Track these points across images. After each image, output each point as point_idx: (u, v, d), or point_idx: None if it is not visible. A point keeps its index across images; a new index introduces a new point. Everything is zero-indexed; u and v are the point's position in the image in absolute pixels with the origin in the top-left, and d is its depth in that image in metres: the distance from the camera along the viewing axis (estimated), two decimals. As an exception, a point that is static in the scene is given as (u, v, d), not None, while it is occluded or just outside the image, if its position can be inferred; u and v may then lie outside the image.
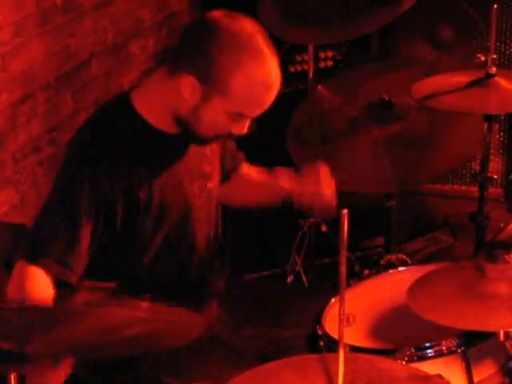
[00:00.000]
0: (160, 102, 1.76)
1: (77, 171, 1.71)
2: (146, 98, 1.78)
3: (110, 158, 1.72)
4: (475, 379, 1.71)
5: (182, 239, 1.85)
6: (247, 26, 1.70)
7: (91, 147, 1.74)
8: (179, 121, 1.76)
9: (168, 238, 1.82)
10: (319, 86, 2.73)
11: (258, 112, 1.75)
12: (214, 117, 1.73)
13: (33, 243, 1.73)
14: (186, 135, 1.79)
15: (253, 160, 2.15)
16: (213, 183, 1.93)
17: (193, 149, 1.86)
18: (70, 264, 1.68)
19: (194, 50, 1.71)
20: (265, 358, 1.53)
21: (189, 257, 1.88)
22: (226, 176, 2.03)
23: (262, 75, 1.69)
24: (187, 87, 1.70)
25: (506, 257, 1.64)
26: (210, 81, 1.69)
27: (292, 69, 3.11)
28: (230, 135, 1.81)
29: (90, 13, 2.87)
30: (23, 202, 2.62)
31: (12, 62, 2.52)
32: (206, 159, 1.91)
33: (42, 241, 1.70)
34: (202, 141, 1.82)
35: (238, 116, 1.74)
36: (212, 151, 1.94)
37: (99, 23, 2.93)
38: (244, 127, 1.78)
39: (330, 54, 3.10)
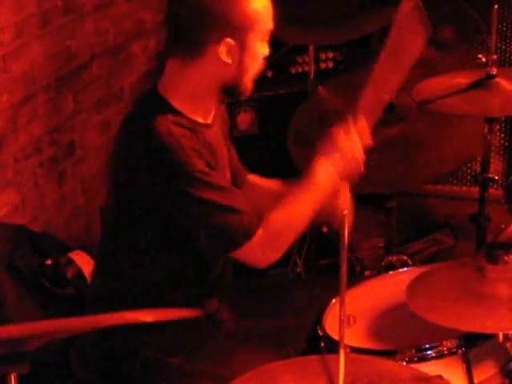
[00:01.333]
0: (195, 88, 1.78)
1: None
2: (179, 88, 1.79)
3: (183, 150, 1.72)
4: (475, 380, 1.71)
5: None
6: None
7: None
8: (227, 90, 1.81)
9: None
10: (320, 87, 2.73)
11: (272, 22, 1.81)
12: (256, 55, 1.79)
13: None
14: (233, 96, 1.84)
15: (254, 161, 2.15)
16: (227, 175, 1.93)
17: (218, 139, 1.88)
18: None
19: (205, 20, 1.74)
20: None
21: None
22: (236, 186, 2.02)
23: None
24: (224, 53, 1.75)
25: (506, 258, 1.64)
26: (236, 29, 1.74)
27: (292, 70, 3.11)
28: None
29: (90, 14, 2.87)
30: (24, 203, 2.62)
31: (13, 63, 2.52)
32: (221, 151, 1.91)
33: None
34: (243, 91, 1.83)
35: (267, 36, 1.80)
36: (225, 141, 1.96)
37: (100, 24, 2.93)
38: (267, 46, 1.83)
39: (330, 54, 3.10)
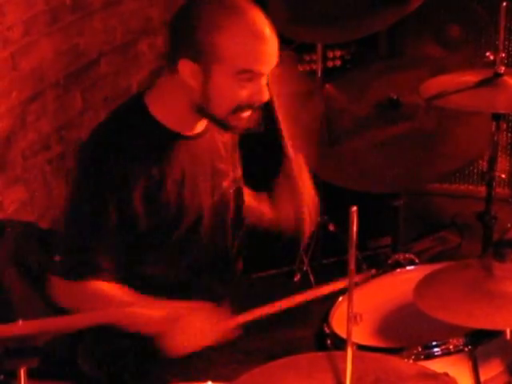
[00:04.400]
0: (173, 101, 1.76)
1: (95, 172, 1.72)
2: (160, 99, 1.78)
3: (125, 159, 1.72)
4: (482, 378, 1.71)
5: (193, 241, 1.84)
6: None
7: (106, 148, 1.73)
8: (201, 111, 1.75)
9: (181, 241, 1.82)
10: (327, 86, 2.73)
11: (260, 65, 1.70)
12: (222, 88, 1.70)
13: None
14: (215, 123, 1.78)
15: (259, 159, 2.15)
16: (228, 181, 1.92)
17: (206, 149, 1.85)
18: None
19: (177, 34, 1.73)
20: (272, 357, 1.54)
21: (197, 261, 1.87)
22: None
23: (245, 27, 1.69)
24: (186, 72, 1.71)
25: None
26: (202, 55, 1.69)
27: (300, 68, 3.11)
28: (253, 105, 1.76)
29: (98, 12, 2.88)
30: (33, 200, 2.63)
31: (21, 60, 2.53)
32: (220, 157, 1.91)
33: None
34: (227, 124, 1.77)
35: (244, 76, 1.69)
36: (226, 149, 1.93)
37: (108, 22, 2.94)
38: (261, 91, 1.72)
39: (338, 53, 3.10)
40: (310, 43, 2.94)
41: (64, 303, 1.76)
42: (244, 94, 1.72)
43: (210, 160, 1.87)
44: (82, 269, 1.73)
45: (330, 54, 3.09)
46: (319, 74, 2.91)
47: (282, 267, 2.94)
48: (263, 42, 1.70)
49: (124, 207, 1.72)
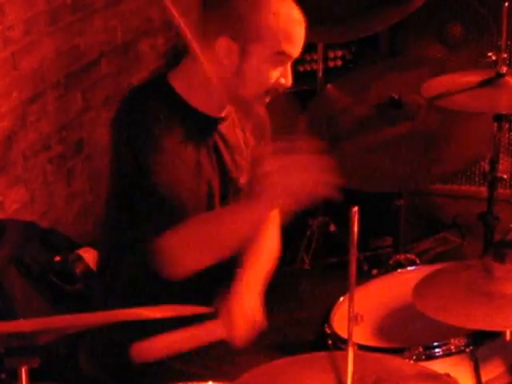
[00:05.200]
0: (200, 80, 1.73)
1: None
2: (186, 77, 1.75)
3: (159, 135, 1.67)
4: (483, 378, 1.70)
5: None
6: None
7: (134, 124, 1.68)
8: (229, 92, 1.72)
9: None
10: (328, 86, 2.73)
11: (293, 48, 1.72)
12: (257, 69, 1.70)
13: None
14: (239, 106, 1.77)
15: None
16: (243, 179, 1.87)
17: (229, 133, 1.83)
18: None
19: (217, 11, 1.72)
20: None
21: None
22: None
23: (286, 9, 1.71)
24: (223, 50, 1.70)
25: (514, 256, 1.64)
26: (242, 33, 1.69)
27: (301, 68, 3.11)
28: (277, 89, 1.75)
29: (99, 12, 2.88)
30: (33, 199, 2.63)
31: (22, 60, 2.53)
32: (240, 151, 1.87)
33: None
34: (251, 109, 1.77)
35: (279, 58, 1.71)
36: (246, 145, 1.89)
37: (109, 22, 2.94)
38: (289, 75, 1.74)
39: (339, 53, 3.10)
40: (311, 43, 2.94)
41: (184, 258, 1.63)
42: (275, 76, 1.73)
43: (231, 150, 1.84)
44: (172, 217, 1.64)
45: (331, 54, 3.09)
46: (320, 74, 2.90)
47: (283, 266, 2.93)
48: (300, 26, 1.72)
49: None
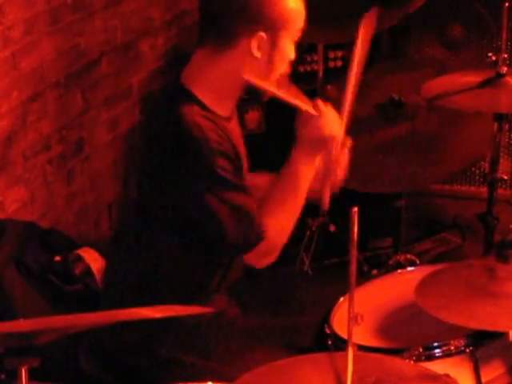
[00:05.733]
0: (217, 80, 1.79)
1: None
2: (202, 79, 1.80)
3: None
4: (483, 379, 1.70)
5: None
6: None
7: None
8: (249, 87, 1.80)
9: None
10: (329, 86, 2.72)
11: (303, 21, 1.84)
12: (285, 52, 1.81)
13: None
14: (255, 94, 1.84)
15: (261, 160, 2.14)
16: (245, 171, 1.92)
17: (234, 130, 1.89)
18: None
19: (243, 11, 1.77)
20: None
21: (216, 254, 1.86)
22: None
23: None
24: (255, 46, 1.77)
25: (516, 256, 1.63)
26: (270, 24, 1.77)
27: (301, 68, 3.11)
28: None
29: (99, 12, 2.88)
30: (33, 200, 2.63)
31: (22, 60, 2.53)
32: (242, 145, 1.93)
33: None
34: (264, 94, 1.85)
35: (299, 35, 1.83)
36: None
37: (109, 22, 2.94)
38: (293, 50, 1.85)
39: (339, 53, 3.10)
40: (312, 43, 2.94)
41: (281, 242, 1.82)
42: (293, 56, 1.84)
43: (237, 143, 1.88)
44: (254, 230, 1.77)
45: (332, 55, 3.09)
46: (320, 75, 2.90)
47: (283, 267, 2.93)
48: (302, 4, 1.84)
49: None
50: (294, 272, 2.79)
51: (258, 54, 1.77)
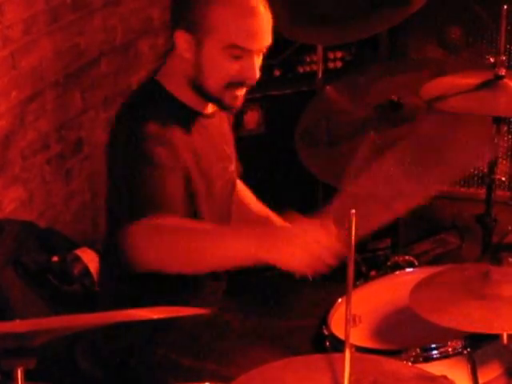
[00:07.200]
0: (179, 75, 1.76)
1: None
2: (171, 75, 1.78)
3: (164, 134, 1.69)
4: (480, 381, 1.70)
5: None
6: None
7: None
8: (195, 87, 1.75)
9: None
10: (328, 87, 2.72)
11: (249, 41, 1.69)
12: (214, 61, 1.70)
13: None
14: (211, 100, 1.77)
15: (260, 160, 2.15)
16: (233, 167, 1.91)
17: (217, 129, 1.86)
18: None
19: (177, 5, 1.75)
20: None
21: None
22: None
23: (239, 2, 1.69)
24: (182, 45, 1.72)
25: (511, 259, 1.64)
26: (195, 26, 1.70)
27: (301, 69, 3.11)
28: (244, 82, 1.74)
29: (99, 11, 2.88)
30: (31, 199, 2.63)
31: (21, 59, 2.53)
32: (227, 142, 1.91)
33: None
34: (222, 102, 1.76)
35: (234, 51, 1.69)
36: (229, 132, 1.93)
37: (108, 22, 2.94)
38: (252, 68, 1.71)
39: (339, 54, 3.10)
40: (311, 44, 2.94)
41: (147, 254, 1.56)
42: (234, 69, 1.71)
43: (221, 142, 1.87)
44: (148, 205, 1.60)
45: (331, 56, 3.09)
46: (320, 76, 2.90)
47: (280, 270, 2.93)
48: (255, 20, 1.69)
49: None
50: (291, 273, 2.78)
51: (185, 53, 1.72)
